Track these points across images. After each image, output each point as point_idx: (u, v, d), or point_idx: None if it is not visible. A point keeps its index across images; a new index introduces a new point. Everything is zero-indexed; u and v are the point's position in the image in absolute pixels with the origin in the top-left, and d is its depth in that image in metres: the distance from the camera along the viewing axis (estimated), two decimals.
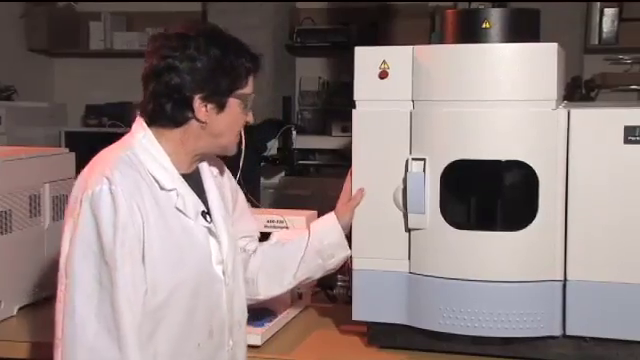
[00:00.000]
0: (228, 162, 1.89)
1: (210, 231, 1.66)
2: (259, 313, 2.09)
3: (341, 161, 4.19)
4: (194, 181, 1.69)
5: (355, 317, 1.98)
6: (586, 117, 1.80)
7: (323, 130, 5.01)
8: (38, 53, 5.70)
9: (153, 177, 1.59)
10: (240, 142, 1.80)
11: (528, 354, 1.89)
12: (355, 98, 1.94)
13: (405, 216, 1.89)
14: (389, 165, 1.90)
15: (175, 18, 5.45)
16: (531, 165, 1.80)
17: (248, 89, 1.68)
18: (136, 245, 1.52)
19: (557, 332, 1.84)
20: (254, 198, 2.49)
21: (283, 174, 4.30)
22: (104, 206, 1.51)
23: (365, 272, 1.95)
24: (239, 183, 2.35)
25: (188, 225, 1.62)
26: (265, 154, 4.19)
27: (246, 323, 1.80)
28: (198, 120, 1.62)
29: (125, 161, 1.58)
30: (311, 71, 5.45)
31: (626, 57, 4.85)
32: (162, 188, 1.59)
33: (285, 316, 2.14)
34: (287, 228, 2.14)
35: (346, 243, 1.93)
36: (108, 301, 1.50)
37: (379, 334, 1.99)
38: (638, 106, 1.96)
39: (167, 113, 1.62)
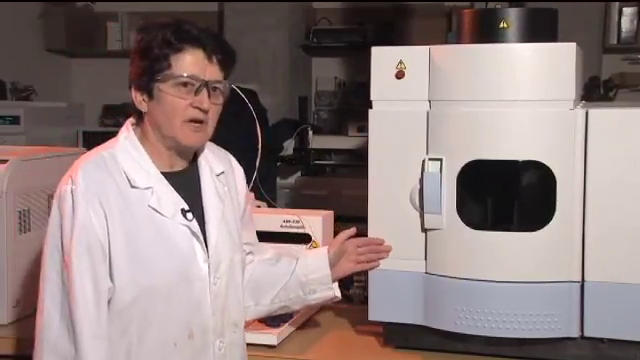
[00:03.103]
0: (244, 161, 1.88)
1: (191, 229, 1.60)
2: None
3: (357, 161, 4.18)
4: (186, 179, 1.65)
5: (371, 317, 1.97)
6: (604, 117, 1.79)
7: (339, 130, 5.01)
8: (56, 53, 5.74)
9: (126, 176, 1.57)
10: (256, 142, 1.80)
11: (545, 355, 1.88)
12: (371, 98, 1.94)
13: (421, 216, 1.89)
14: (405, 165, 1.90)
15: (191, 18, 5.48)
16: (548, 165, 1.79)
17: (177, 69, 1.56)
18: (96, 245, 1.51)
19: (575, 333, 1.83)
20: (270, 198, 2.49)
21: (299, 174, 4.31)
22: (66, 206, 1.53)
23: (381, 272, 1.95)
24: (255, 183, 2.36)
25: (163, 224, 1.58)
26: (281, 154, 4.20)
27: (244, 324, 1.75)
28: (141, 111, 1.61)
29: (96, 162, 1.58)
30: (327, 71, 5.45)
31: None
32: (134, 186, 1.57)
33: (301, 316, 2.14)
34: (303, 228, 2.14)
35: (330, 281, 1.87)
36: (68, 301, 1.52)
37: (395, 334, 1.98)
38: None
39: (133, 109, 1.64)
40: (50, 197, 2.33)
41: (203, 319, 1.62)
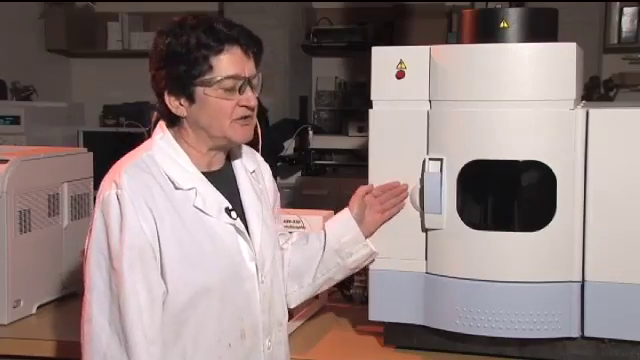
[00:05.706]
0: None
1: (236, 228, 1.60)
2: None
3: (357, 161, 4.18)
4: (223, 178, 1.64)
5: (372, 317, 1.97)
6: (605, 117, 1.79)
7: (339, 130, 5.01)
8: (56, 53, 5.75)
9: (168, 177, 1.55)
10: (257, 142, 1.80)
11: (545, 355, 1.88)
12: (372, 98, 1.94)
13: (422, 216, 1.88)
14: (406, 165, 1.90)
15: None
16: (549, 165, 1.79)
17: (218, 72, 1.53)
18: (148, 249, 1.48)
19: (575, 333, 1.83)
20: None
21: (299, 174, 4.31)
22: (112, 211, 1.49)
23: (382, 272, 1.95)
24: None
25: (210, 224, 1.56)
26: (282, 154, 4.20)
27: (286, 322, 1.76)
28: (179, 116, 1.57)
29: (138, 164, 1.54)
30: (328, 71, 5.46)
31: None
32: (177, 188, 1.55)
33: (302, 316, 2.14)
34: (304, 228, 2.14)
35: (363, 239, 1.87)
36: (118, 307, 1.48)
37: (395, 334, 1.98)
38: None
39: (162, 113, 1.60)
40: (50, 197, 2.34)
41: (254, 318, 1.61)
